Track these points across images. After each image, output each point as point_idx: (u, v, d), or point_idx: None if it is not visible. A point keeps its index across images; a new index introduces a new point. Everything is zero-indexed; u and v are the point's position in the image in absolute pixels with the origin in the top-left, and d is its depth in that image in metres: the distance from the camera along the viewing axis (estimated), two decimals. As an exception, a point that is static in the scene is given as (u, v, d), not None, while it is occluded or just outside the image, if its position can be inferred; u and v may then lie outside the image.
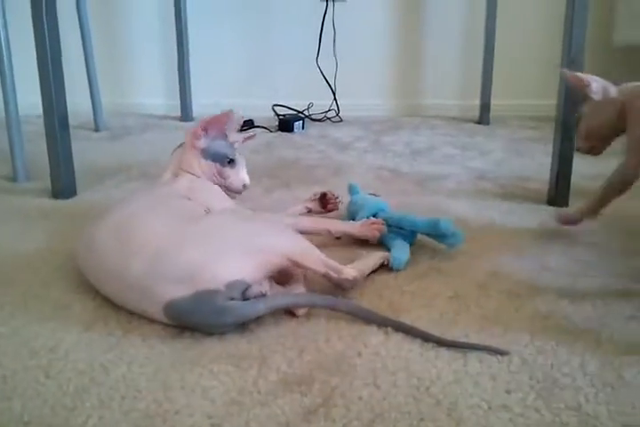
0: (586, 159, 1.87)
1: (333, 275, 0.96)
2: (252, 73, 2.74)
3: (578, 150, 1.28)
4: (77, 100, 2.20)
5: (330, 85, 2.61)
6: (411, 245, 1.17)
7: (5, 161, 1.71)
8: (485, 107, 2.52)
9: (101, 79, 2.39)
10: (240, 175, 1.24)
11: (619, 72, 2.57)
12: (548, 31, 2.58)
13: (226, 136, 1.25)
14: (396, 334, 0.88)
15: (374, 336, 0.88)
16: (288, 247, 0.95)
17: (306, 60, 2.54)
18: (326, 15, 2.54)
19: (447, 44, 2.71)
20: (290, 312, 0.94)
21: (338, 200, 1.34)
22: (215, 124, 1.21)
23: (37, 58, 1.44)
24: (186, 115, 2.58)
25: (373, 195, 1.36)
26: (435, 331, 0.88)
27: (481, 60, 2.49)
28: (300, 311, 0.94)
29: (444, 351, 0.84)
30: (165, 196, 1.10)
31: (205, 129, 1.20)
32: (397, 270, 1.10)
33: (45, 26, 1.41)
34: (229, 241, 0.92)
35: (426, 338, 0.86)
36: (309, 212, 1.33)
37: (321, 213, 1.33)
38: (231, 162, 1.23)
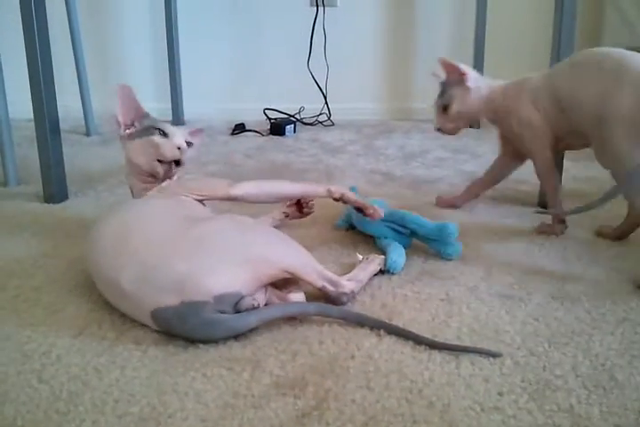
0: (576, 162, 1.89)
1: (330, 288, 0.95)
2: (244, 77, 2.74)
3: (439, 130, 1.40)
4: (68, 105, 2.20)
5: (321, 89, 2.62)
6: (405, 248, 1.17)
7: (-4, 165, 1.70)
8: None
9: (92, 84, 2.38)
10: (173, 141, 1.13)
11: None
12: (537, 36, 2.61)
13: (148, 115, 1.19)
14: (389, 337, 0.88)
15: (367, 339, 0.88)
16: (285, 259, 0.93)
17: (297, 64, 2.55)
18: (317, 20, 2.55)
19: (437, 48, 2.72)
20: None
21: (311, 203, 1.32)
22: (124, 104, 1.16)
23: (28, 62, 1.43)
24: (177, 119, 2.58)
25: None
26: (427, 333, 0.89)
27: (471, 64, 2.50)
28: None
29: (436, 354, 0.84)
30: (162, 200, 1.08)
31: (122, 113, 1.16)
32: (393, 273, 1.10)
33: (35, 30, 1.41)
34: (224, 251, 0.90)
35: (418, 341, 0.87)
36: (287, 217, 1.33)
37: (300, 217, 1.33)
38: (162, 133, 1.14)
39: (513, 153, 1.42)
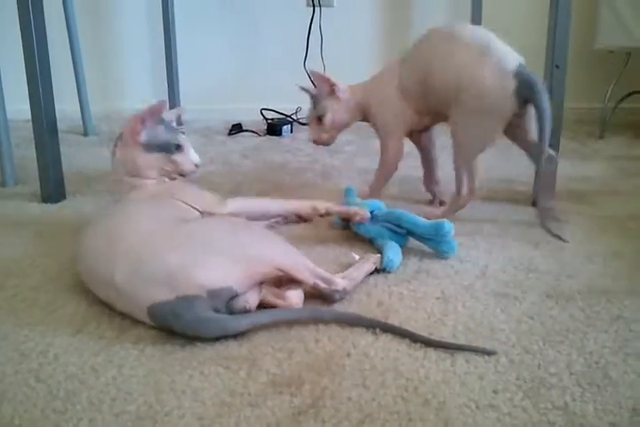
0: (571, 162, 1.90)
1: (323, 285, 0.96)
2: (240, 77, 2.75)
3: (315, 142, 1.46)
4: (66, 106, 2.20)
5: (318, 89, 2.62)
6: (402, 247, 1.18)
7: (-7, 166, 1.70)
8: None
9: (90, 84, 2.39)
10: (189, 157, 1.19)
11: (600, 75, 2.61)
12: (532, 37, 2.61)
13: (163, 121, 1.19)
14: (385, 335, 0.89)
15: (363, 337, 0.88)
16: (277, 257, 0.94)
17: (293, 64, 2.55)
18: (313, 20, 2.55)
19: (434, 49, 2.73)
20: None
21: None
22: (153, 114, 1.16)
23: (25, 64, 1.44)
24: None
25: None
26: (423, 331, 0.89)
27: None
28: (295, 301, 0.95)
29: (431, 352, 0.85)
30: (155, 199, 1.09)
31: (143, 121, 1.15)
32: (389, 272, 1.11)
33: (33, 31, 1.41)
34: (217, 247, 0.91)
35: (414, 339, 0.87)
36: (285, 218, 1.34)
37: (297, 222, 1.34)
38: (178, 147, 1.18)
39: (419, 138, 1.51)
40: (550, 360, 0.83)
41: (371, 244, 1.22)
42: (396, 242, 1.18)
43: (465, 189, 1.35)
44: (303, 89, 1.47)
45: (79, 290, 1.02)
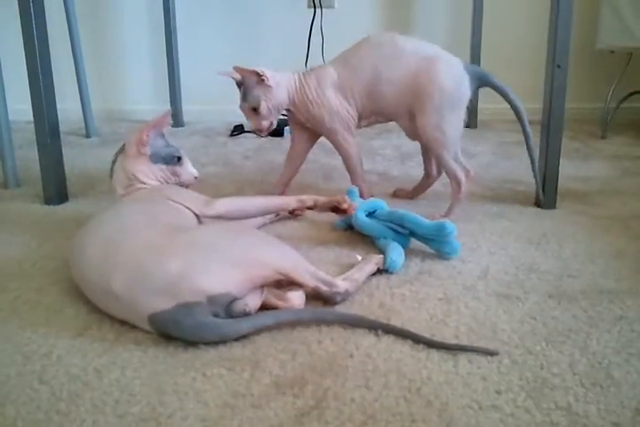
0: (573, 162, 1.90)
1: (324, 288, 0.96)
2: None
3: (258, 130, 1.49)
4: (68, 107, 2.21)
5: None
6: (404, 248, 1.18)
7: (-5, 168, 1.71)
8: (473, 111, 2.54)
9: (91, 86, 2.39)
10: (189, 170, 1.24)
11: (602, 75, 2.61)
12: (533, 36, 2.61)
13: (163, 135, 1.23)
14: (387, 337, 0.89)
15: (365, 339, 0.88)
16: (277, 260, 0.94)
17: (295, 65, 2.55)
18: (314, 21, 2.55)
19: (435, 49, 2.73)
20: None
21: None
22: (158, 127, 1.21)
23: (27, 65, 1.44)
24: (176, 120, 2.58)
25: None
26: (425, 332, 0.89)
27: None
28: (297, 302, 0.95)
29: (434, 353, 0.85)
30: (151, 206, 1.08)
31: (150, 132, 1.18)
32: (392, 273, 1.11)
33: (35, 33, 1.42)
34: (215, 253, 0.91)
35: (416, 340, 0.87)
36: (277, 216, 1.38)
37: (287, 218, 1.38)
38: (179, 160, 1.22)
39: (307, 138, 1.54)
40: (553, 361, 0.83)
41: (372, 244, 1.22)
42: (399, 242, 1.18)
43: (461, 175, 1.39)
44: (226, 75, 1.52)
45: (81, 292, 1.02)
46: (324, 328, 0.91)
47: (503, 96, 1.45)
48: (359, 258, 1.11)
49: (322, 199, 1.21)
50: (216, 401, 0.75)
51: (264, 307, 0.94)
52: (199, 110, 2.67)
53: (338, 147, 1.49)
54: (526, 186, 1.63)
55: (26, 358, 0.84)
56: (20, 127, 1.99)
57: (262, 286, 0.94)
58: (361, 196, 1.42)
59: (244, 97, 1.46)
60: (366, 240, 1.25)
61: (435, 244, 1.18)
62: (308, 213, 1.40)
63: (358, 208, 1.24)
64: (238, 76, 1.47)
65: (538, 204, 1.49)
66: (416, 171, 1.84)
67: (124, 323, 0.92)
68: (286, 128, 2.40)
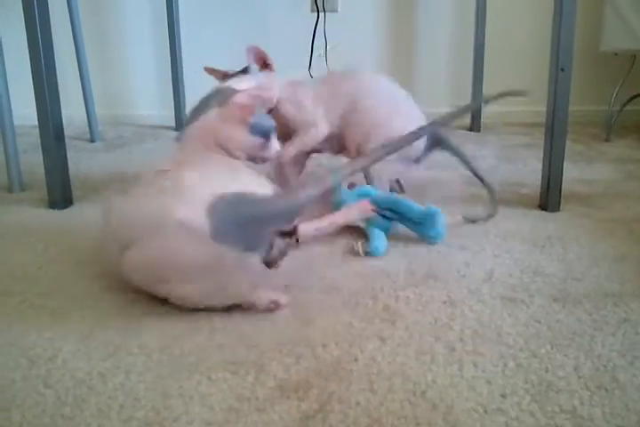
0: (577, 164, 1.90)
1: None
2: (245, 82, 2.75)
3: None
4: (72, 111, 2.21)
5: (323, 94, 2.62)
6: (386, 233, 1.24)
7: (1, 172, 1.71)
8: (476, 114, 2.54)
9: (96, 90, 2.40)
10: (274, 144, 1.15)
11: (605, 77, 2.61)
12: (537, 38, 2.61)
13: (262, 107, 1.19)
14: (392, 340, 0.89)
15: (370, 342, 0.88)
16: None
17: (298, 69, 2.55)
18: (318, 25, 2.56)
19: (438, 54, 2.73)
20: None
21: None
22: (265, 101, 1.23)
23: (32, 70, 1.44)
24: (180, 125, 2.58)
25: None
26: (430, 336, 0.89)
27: (471, 69, 2.52)
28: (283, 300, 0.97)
29: (439, 356, 0.85)
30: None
31: (257, 103, 1.13)
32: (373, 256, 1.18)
33: (39, 38, 1.42)
34: None
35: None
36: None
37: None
38: (271, 136, 1.15)
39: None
40: (558, 364, 0.83)
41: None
42: (382, 227, 1.25)
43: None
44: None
45: (87, 296, 1.02)
46: (328, 331, 0.91)
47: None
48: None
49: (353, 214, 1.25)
50: (221, 405, 0.75)
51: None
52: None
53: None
54: (530, 189, 1.63)
55: (31, 362, 0.85)
56: (24, 132, 2.00)
57: None
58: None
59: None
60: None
61: (421, 228, 1.25)
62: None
63: (348, 199, 1.31)
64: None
65: (542, 206, 1.49)
66: (420, 174, 1.84)
67: (128, 327, 0.92)
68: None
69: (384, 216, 1.25)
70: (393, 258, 1.20)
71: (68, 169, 1.54)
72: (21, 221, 1.43)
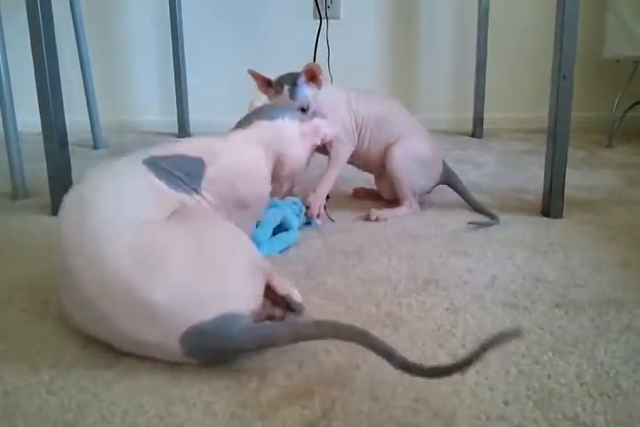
0: (579, 171, 1.90)
1: (294, 298, 0.94)
2: (248, 89, 2.76)
3: None
4: (76, 118, 2.23)
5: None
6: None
7: (5, 179, 1.72)
8: (478, 120, 2.55)
9: (99, 97, 2.41)
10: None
11: (608, 84, 2.62)
12: (539, 45, 2.62)
13: None
14: (395, 347, 0.88)
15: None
16: (268, 268, 0.93)
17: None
18: (320, 32, 2.57)
19: (440, 60, 2.74)
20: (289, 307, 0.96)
21: None
22: None
23: (36, 77, 1.45)
24: (183, 131, 2.60)
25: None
26: (432, 343, 0.89)
27: (473, 75, 2.52)
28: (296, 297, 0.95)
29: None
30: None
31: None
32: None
33: (43, 44, 1.43)
34: (237, 265, 0.87)
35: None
36: None
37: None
38: None
39: None
40: (560, 371, 0.83)
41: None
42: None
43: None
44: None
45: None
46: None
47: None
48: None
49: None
50: (224, 412, 0.75)
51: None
52: (206, 120, 2.69)
53: (333, 150, 1.51)
54: (532, 195, 1.64)
55: (34, 368, 0.85)
56: (28, 139, 2.00)
57: None
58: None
59: (292, 94, 1.41)
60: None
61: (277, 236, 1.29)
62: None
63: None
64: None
65: (544, 213, 1.49)
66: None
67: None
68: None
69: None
70: (394, 264, 1.20)
71: (71, 176, 1.54)
72: (25, 228, 1.44)
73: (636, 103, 2.39)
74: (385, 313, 1.00)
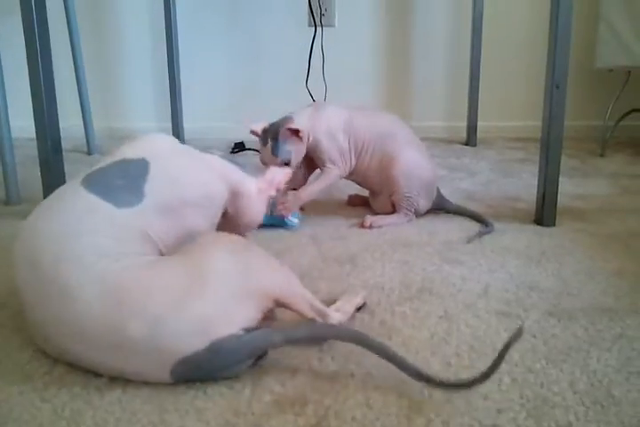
0: (572, 180, 1.91)
1: (319, 319, 0.91)
2: (243, 96, 2.77)
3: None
4: (70, 124, 2.22)
5: (319, 108, 2.64)
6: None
7: (-2, 184, 1.72)
8: (472, 128, 2.56)
9: (93, 103, 2.41)
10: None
11: (601, 93, 2.63)
12: (532, 55, 2.64)
13: None
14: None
15: (366, 357, 0.88)
16: (278, 288, 0.87)
17: (295, 83, 2.57)
18: (315, 40, 2.58)
19: (434, 68, 2.76)
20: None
21: None
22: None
23: (30, 82, 1.45)
24: (177, 137, 2.59)
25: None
26: (426, 351, 0.90)
27: (467, 83, 2.54)
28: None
29: (435, 371, 0.85)
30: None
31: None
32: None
33: (38, 51, 1.43)
34: (229, 286, 0.83)
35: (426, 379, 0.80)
36: None
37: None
38: None
39: (308, 164, 1.58)
40: (553, 379, 0.83)
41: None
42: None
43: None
44: (253, 129, 1.53)
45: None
46: (324, 346, 0.91)
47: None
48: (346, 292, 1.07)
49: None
50: (217, 419, 0.75)
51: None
52: (200, 127, 2.69)
53: (325, 169, 1.52)
54: (526, 203, 1.64)
55: (27, 376, 0.84)
56: (22, 144, 2.00)
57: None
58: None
59: (274, 150, 1.46)
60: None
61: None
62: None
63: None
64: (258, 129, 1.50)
65: (537, 221, 1.49)
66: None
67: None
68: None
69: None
70: (388, 271, 1.20)
71: (65, 182, 1.54)
72: (17, 234, 1.43)
73: (629, 112, 2.41)
74: (379, 321, 1.00)
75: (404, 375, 0.83)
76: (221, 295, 0.81)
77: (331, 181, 1.52)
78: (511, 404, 0.78)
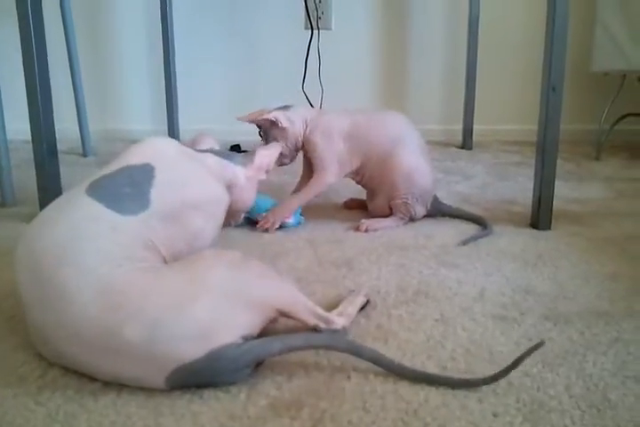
0: (568, 183, 1.91)
1: (322, 326, 0.91)
2: (239, 99, 2.77)
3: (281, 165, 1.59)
4: (65, 126, 2.22)
5: (316, 111, 2.64)
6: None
7: (-8, 187, 1.71)
8: (468, 132, 2.56)
9: (89, 105, 2.41)
10: None
11: (596, 97, 2.64)
12: (529, 58, 2.65)
13: None
14: (384, 358, 0.89)
15: (362, 361, 0.88)
16: (279, 299, 0.87)
17: (292, 86, 2.57)
18: (312, 43, 2.59)
19: (430, 71, 2.76)
20: None
21: None
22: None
23: (26, 85, 1.45)
24: (173, 140, 2.59)
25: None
26: (422, 354, 0.89)
27: (463, 87, 2.54)
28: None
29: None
30: None
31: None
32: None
33: (34, 52, 1.42)
34: (229, 295, 0.83)
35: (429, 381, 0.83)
36: None
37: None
38: None
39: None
40: (549, 383, 0.83)
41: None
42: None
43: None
44: (246, 120, 1.56)
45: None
46: (321, 350, 0.91)
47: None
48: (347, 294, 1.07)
49: None
50: (212, 423, 0.74)
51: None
52: (196, 130, 2.69)
53: (316, 176, 1.53)
54: (521, 207, 1.64)
55: (21, 379, 0.84)
56: (17, 146, 2.00)
57: None
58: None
59: (265, 140, 1.53)
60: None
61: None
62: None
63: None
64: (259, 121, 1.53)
65: (533, 225, 1.50)
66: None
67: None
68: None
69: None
70: (384, 275, 1.20)
71: (60, 184, 1.54)
72: (12, 236, 1.43)
73: (624, 116, 2.41)
74: (375, 324, 1.00)
75: (399, 378, 0.84)
76: (220, 303, 0.81)
77: (320, 189, 1.53)
78: (507, 408, 0.77)
